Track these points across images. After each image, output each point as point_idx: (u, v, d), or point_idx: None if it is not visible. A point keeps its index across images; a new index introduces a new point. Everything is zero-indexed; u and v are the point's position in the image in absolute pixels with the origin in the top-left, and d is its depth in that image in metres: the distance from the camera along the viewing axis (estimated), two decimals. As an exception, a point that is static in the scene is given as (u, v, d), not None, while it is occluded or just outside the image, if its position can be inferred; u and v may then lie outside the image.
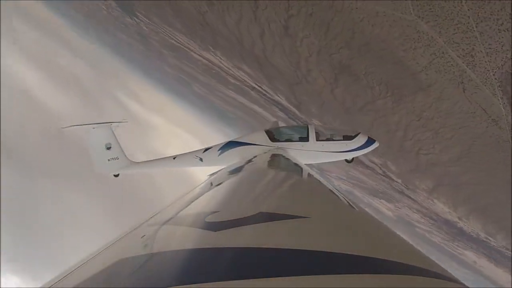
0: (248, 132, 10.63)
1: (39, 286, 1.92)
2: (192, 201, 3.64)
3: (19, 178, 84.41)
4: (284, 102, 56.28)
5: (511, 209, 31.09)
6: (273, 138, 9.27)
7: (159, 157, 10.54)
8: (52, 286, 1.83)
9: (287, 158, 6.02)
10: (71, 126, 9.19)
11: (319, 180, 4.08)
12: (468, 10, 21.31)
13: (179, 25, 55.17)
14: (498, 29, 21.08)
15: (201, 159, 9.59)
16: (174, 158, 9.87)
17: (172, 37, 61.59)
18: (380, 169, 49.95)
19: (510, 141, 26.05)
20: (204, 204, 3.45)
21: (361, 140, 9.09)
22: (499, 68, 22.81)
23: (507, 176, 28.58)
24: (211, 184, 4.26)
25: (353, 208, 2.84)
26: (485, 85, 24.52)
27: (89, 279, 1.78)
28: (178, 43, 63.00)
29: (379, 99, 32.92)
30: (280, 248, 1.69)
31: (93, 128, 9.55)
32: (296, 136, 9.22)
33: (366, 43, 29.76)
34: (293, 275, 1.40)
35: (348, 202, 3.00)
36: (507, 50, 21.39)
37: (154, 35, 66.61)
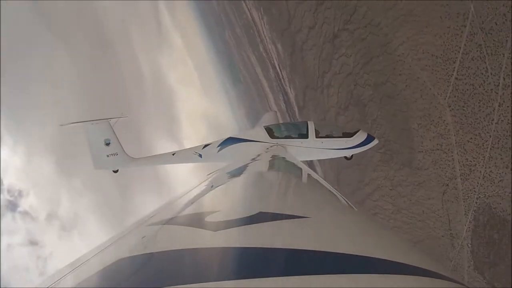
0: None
1: (40, 286, 1.99)
2: (192, 201, 3.66)
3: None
4: (291, 96, 55.70)
5: None
6: (272, 135, 9.13)
7: (158, 152, 10.39)
8: (52, 286, 1.85)
9: (287, 160, 6.01)
10: (70, 123, 9.10)
11: (318, 181, 4.10)
12: (493, 131, 20.90)
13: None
14: (506, 167, 20.94)
15: (200, 155, 9.49)
16: (173, 154, 9.80)
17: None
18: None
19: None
20: (204, 204, 3.46)
21: (360, 137, 9.00)
22: (485, 197, 22.82)
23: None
24: (212, 186, 4.27)
25: (353, 208, 2.86)
26: (464, 202, 24.56)
27: (89, 278, 1.79)
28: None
29: (370, 150, 32.61)
30: (280, 248, 1.69)
31: (92, 124, 9.47)
32: (296, 133, 9.13)
33: (391, 96, 29.17)
34: (293, 275, 1.39)
35: (347, 202, 3.01)
36: (501, 186, 21.29)
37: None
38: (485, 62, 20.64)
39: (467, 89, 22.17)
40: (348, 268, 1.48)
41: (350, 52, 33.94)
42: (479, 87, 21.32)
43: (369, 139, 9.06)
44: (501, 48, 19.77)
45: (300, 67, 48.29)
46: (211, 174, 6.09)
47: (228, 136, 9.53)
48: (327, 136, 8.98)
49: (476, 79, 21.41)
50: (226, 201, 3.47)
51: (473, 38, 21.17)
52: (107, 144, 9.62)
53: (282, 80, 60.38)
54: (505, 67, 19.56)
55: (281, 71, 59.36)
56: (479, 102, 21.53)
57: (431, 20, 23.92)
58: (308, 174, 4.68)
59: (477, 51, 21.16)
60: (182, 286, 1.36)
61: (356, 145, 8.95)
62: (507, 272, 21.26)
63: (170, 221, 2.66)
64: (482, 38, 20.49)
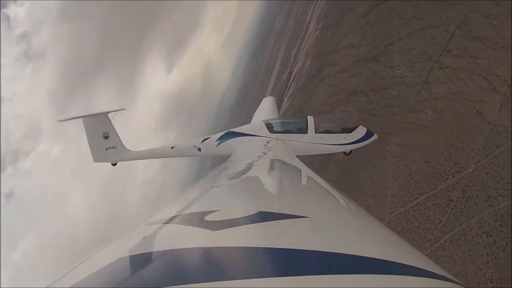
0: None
1: (40, 286, 2.04)
2: (192, 200, 3.66)
3: None
4: (283, 107, 55.43)
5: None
6: (272, 130, 9.02)
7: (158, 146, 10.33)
8: (52, 285, 1.86)
9: (287, 163, 5.95)
10: (68, 119, 9.00)
11: (318, 181, 4.08)
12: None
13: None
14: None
15: (199, 149, 9.37)
16: (172, 148, 9.69)
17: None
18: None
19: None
20: (204, 203, 3.45)
21: (360, 132, 8.91)
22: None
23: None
24: (212, 187, 4.22)
25: (352, 208, 2.88)
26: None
27: (90, 277, 1.78)
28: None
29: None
30: (280, 248, 1.68)
31: (90, 118, 9.43)
32: (295, 128, 9.08)
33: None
34: (292, 275, 1.40)
35: (346, 202, 3.01)
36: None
37: None
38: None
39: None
40: (348, 268, 1.50)
41: (355, 113, 34.59)
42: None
43: (368, 134, 8.98)
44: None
45: (308, 91, 48.63)
46: (211, 173, 6.06)
47: (227, 131, 9.44)
48: (326, 132, 8.95)
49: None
50: (226, 200, 3.44)
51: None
52: (106, 137, 9.59)
53: (287, 89, 60.60)
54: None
55: (291, 82, 59.53)
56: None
57: (434, 148, 25.30)
58: (308, 175, 4.66)
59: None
60: (182, 286, 1.37)
61: (356, 140, 8.88)
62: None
63: (170, 221, 2.67)
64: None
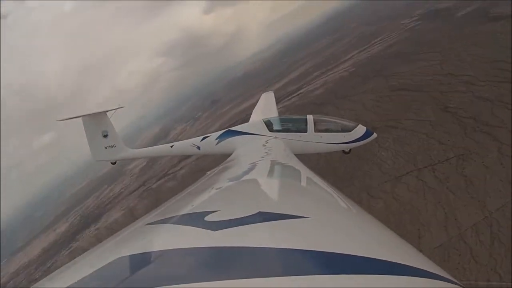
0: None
1: (39, 285, 2.14)
2: (192, 201, 3.75)
3: None
4: (289, 105, 54.57)
5: None
6: (271, 128, 9.05)
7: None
8: (52, 285, 1.96)
9: (287, 164, 5.89)
10: (67, 118, 9.03)
11: (317, 182, 4.05)
12: None
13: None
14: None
15: (198, 148, 9.42)
16: (171, 146, 9.78)
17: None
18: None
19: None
20: (204, 203, 3.51)
21: (359, 131, 8.93)
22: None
23: None
24: (212, 187, 4.27)
25: (351, 208, 2.90)
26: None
27: (89, 276, 1.78)
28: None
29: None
30: (280, 248, 1.72)
31: (89, 116, 9.52)
32: (295, 127, 9.08)
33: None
34: (292, 275, 1.41)
35: (346, 203, 3.01)
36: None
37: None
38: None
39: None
40: (347, 268, 1.48)
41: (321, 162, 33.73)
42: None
43: (367, 133, 9.01)
44: None
45: (300, 113, 47.84)
46: (211, 173, 6.04)
47: (227, 129, 9.55)
48: (326, 130, 8.93)
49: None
50: (226, 200, 3.46)
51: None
52: (105, 136, 9.65)
53: (286, 98, 60.02)
54: None
55: (294, 96, 59.12)
56: None
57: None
58: (307, 176, 4.61)
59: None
60: (182, 285, 1.40)
61: (355, 139, 8.90)
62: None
63: (169, 221, 2.68)
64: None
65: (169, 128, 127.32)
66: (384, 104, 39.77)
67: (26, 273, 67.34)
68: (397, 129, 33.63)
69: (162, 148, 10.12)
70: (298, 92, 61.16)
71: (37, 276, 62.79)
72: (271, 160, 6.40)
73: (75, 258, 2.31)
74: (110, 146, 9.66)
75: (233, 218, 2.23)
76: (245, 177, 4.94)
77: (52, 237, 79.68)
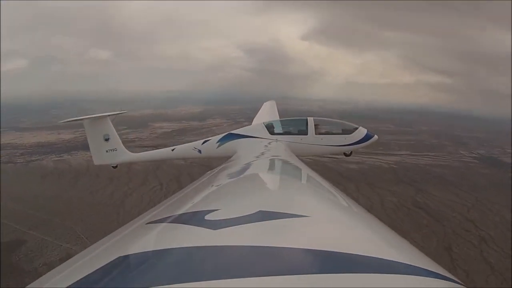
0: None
1: (39, 285, 2.00)
2: (192, 199, 3.62)
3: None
4: None
5: None
6: (272, 131, 9.01)
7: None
8: (52, 285, 1.88)
9: (287, 162, 5.94)
10: (69, 120, 9.24)
11: (318, 180, 4.05)
12: None
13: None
14: None
15: (199, 151, 9.36)
16: (172, 150, 9.69)
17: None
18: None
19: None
20: (204, 202, 3.42)
21: (360, 134, 8.88)
22: None
23: None
24: (212, 185, 4.21)
25: (352, 207, 2.89)
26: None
27: (89, 275, 1.78)
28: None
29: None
30: (280, 247, 1.70)
31: (91, 120, 9.51)
32: (295, 129, 9.06)
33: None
34: (292, 274, 1.41)
35: (346, 201, 3.03)
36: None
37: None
38: None
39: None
40: (348, 267, 1.49)
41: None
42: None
43: (368, 135, 8.93)
44: None
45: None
46: (211, 173, 5.97)
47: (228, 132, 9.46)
48: (326, 133, 8.95)
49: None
50: (226, 199, 3.39)
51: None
52: (106, 140, 9.67)
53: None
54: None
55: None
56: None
57: None
58: (308, 174, 4.63)
59: None
60: (182, 284, 1.38)
61: (356, 141, 8.85)
62: None
63: (169, 220, 2.64)
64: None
65: (211, 114, 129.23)
66: (399, 212, 39.74)
67: (9, 153, 70.11)
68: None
69: (163, 152, 10.06)
70: (332, 157, 61.26)
71: (18, 160, 65.63)
72: (271, 158, 6.43)
73: (74, 256, 2.27)
74: (111, 150, 9.77)
75: (234, 217, 2.23)
76: (245, 174, 4.93)
77: (53, 138, 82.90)
